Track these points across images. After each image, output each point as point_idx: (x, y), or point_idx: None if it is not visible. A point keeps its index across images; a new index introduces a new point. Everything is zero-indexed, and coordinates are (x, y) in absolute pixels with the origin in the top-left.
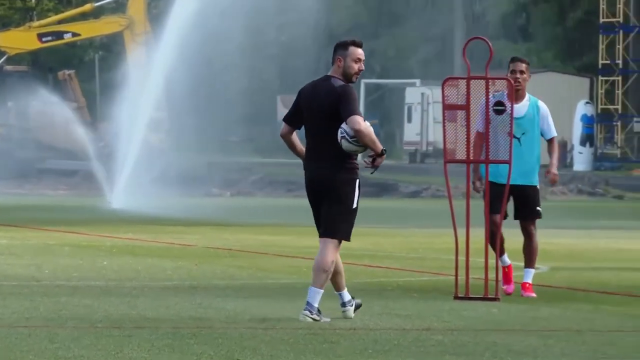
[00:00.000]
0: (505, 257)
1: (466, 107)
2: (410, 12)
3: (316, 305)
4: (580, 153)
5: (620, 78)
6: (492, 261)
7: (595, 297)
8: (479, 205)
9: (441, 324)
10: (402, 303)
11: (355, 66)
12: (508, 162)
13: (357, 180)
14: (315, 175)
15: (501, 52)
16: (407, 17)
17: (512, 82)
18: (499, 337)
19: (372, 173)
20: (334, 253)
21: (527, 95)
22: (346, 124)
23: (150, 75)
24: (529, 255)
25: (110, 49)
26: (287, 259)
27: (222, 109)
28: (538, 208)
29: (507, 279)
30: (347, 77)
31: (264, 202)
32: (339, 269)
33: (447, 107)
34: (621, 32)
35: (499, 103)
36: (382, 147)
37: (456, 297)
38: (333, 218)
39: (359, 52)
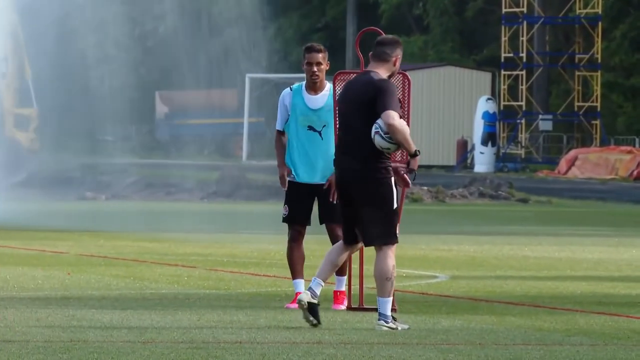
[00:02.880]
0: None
1: None
2: (297, 1)
3: (389, 313)
4: (482, 153)
5: (524, 72)
6: None
7: (499, 308)
8: None
9: (333, 337)
10: (291, 314)
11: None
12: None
13: (392, 179)
14: (345, 175)
15: None
16: (294, 6)
17: (310, 75)
18: (394, 352)
19: (413, 179)
20: (392, 258)
21: (328, 85)
22: (380, 118)
23: None
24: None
25: None
26: (167, 267)
27: (95, 105)
28: None
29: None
30: (393, 75)
31: (141, 206)
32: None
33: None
34: (525, 23)
35: None
36: (415, 148)
37: (349, 308)
38: (378, 223)
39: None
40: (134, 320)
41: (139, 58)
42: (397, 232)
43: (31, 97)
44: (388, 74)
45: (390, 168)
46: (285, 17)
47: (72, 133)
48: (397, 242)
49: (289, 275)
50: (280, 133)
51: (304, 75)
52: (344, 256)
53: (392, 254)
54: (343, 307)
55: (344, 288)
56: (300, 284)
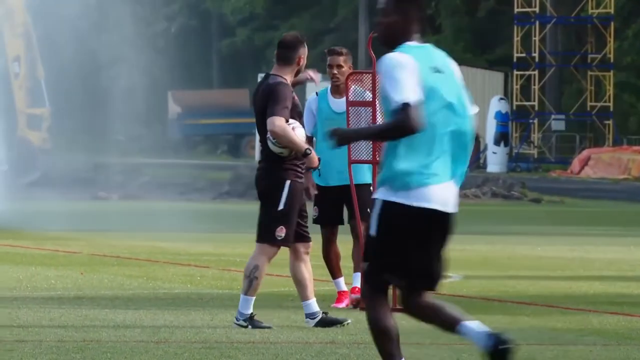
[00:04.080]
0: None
1: (372, 104)
2: (309, 0)
3: (244, 311)
4: (494, 153)
5: (536, 72)
6: None
7: (512, 307)
8: None
9: (346, 337)
10: (304, 315)
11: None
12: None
13: (288, 182)
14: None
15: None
16: (305, 6)
17: (331, 77)
18: (408, 352)
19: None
20: (260, 258)
21: (351, 88)
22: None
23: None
24: (357, 258)
25: None
26: (180, 267)
27: (108, 105)
28: (369, 210)
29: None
30: (299, 73)
31: (154, 206)
32: (299, 278)
33: (351, 104)
34: (537, 22)
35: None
36: (305, 147)
37: (362, 308)
38: (262, 221)
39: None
40: (147, 320)
41: (151, 58)
42: (281, 235)
43: (44, 97)
44: (292, 75)
45: (293, 171)
46: (297, 17)
47: (84, 133)
48: (276, 244)
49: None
50: (309, 138)
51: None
52: (301, 267)
53: (263, 254)
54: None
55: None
56: (341, 282)
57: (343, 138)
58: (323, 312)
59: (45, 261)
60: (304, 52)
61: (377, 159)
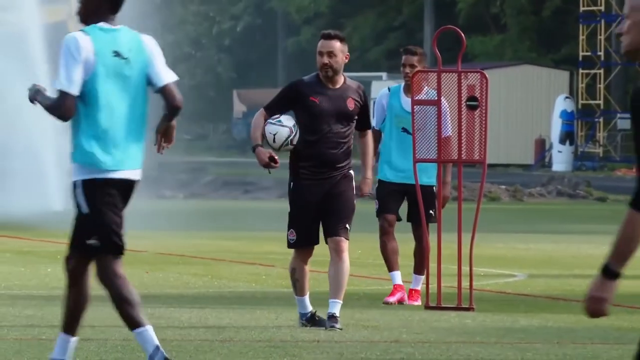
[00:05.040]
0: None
1: (437, 103)
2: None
3: (304, 311)
4: (560, 152)
5: (602, 71)
6: (465, 268)
7: (577, 306)
8: (452, 209)
9: (411, 336)
10: (369, 313)
11: (319, 59)
12: (482, 161)
13: (291, 183)
14: None
15: (472, 45)
16: (371, 4)
17: (404, 76)
18: (472, 350)
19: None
20: (292, 261)
21: (425, 88)
22: None
23: None
24: (420, 259)
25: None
26: (245, 265)
27: None
28: (430, 212)
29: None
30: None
31: (219, 204)
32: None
33: (417, 103)
34: (603, 21)
35: (472, 98)
36: (255, 143)
37: (427, 307)
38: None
39: (322, 44)
40: (211, 319)
41: (217, 57)
42: (292, 237)
43: None
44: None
45: (295, 171)
46: (362, 16)
47: (149, 131)
48: (289, 247)
49: (366, 274)
50: (377, 132)
51: (378, 73)
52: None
53: (294, 256)
54: (418, 302)
55: (419, 287)
56: (397, 276)
57: (34, 92)
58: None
59: None
60: (340, 48)
61: (442, 158)
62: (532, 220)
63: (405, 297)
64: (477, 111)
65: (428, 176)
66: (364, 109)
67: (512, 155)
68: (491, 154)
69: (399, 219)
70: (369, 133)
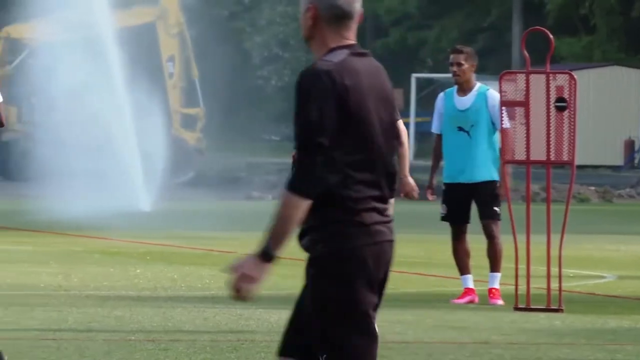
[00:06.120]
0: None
1: (525, 104)
2: (462, 0)
3: None
4: None
5: None
6: (554, 270)
7: None
8: (541, 210)
9: (500, 337)
10: (458, 314)
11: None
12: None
13: None
14: None
15: (560, 46)
16: (459, 5)
17: (452, 74)
18: (562, 352)
19: None
20: None
21: (476, 85)
22: None
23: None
24: (492, 258)
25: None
26: None
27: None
28: (495, 208)
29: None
30: None
31: None
32: None
33: (505, 104)
34: None
35: (561, 99)
36: None
37: (516, 308)
38: None
39: (451, 57)
40: None
41: (304, 57)
42: None
43: (198, 97)
44: None
45: None
46: (450, 17)
47: (237, 132)
48: None
49: (456, 274)
50: (438, 136)
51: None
52: None
53: None
54: (500, 302)
55: (497, 285)
56: (468, 279)
57: None
58: None
59: (199, 261)
60: None
61: (531, 159)
62: (622, 221)
63: (476, 299)
64: (566, 112)
65: (490, 172)
66: None
67: (601, 156)
68: (580, 155)
69: (468, 221)
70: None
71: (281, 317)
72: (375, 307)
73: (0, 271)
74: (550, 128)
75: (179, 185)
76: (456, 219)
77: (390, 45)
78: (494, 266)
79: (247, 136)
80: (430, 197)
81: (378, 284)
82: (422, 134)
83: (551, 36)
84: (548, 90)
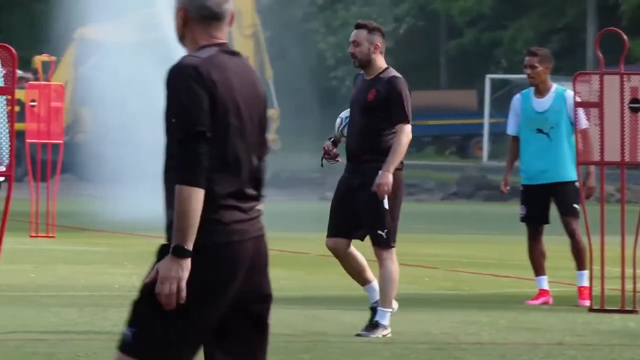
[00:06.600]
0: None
1: (599, 105)
2: (537, 1)
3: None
4: None
5: None
6: (628, 271)
7: None
8: (615, 211)
9: (574, 338)
10: (531, 316)
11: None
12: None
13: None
14: None
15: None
16: (534, 5)
17: (527, 77)
18: (636, 353)
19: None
20: None
21: (553, 87)
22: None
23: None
24: (577, 256)
25: None
26: (407, 268)
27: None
28: (575, 206)
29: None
30: None
31: None
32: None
33: (579, 105)
34: None
35: (635, 100)
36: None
37: (591, 310)
38: None
39: (353, 34)
40: None
41: None
42: None
43: (272, 98)
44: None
45: None
46: (525, 18)
47: (311, 133)
48: None
49: (530, 275)
50: (514, 138)
51: None
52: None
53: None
54: (588, 302)
55: (586, 283)
56: (543, 281)
57: None
58: None
59: (273, 261)
60: (366, 37)
61: (605, 160)
62: None
63: (551, 300)
64: None
65: (569, 172)
66: (387, 102)
67: None
68: None
69: (546, 222)
70: (400, 128)
71: (354, 317)
72: (233, 304)
73: (75, 272)
74: (625, 129)
75: None
76: (535, 220)
77: (464, 46)
78: (580, 264)
79: (320, 137)
80: (504, 189)
81: (242, 281)
82: (496, 134)
83: (625, 37)
84: (622, 91)
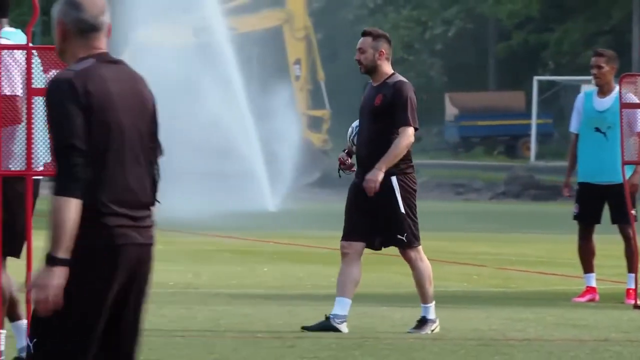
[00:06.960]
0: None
1: None
2: (583, 3)
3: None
4: None
5: None
6: None
7: None
8: None
9: (620, 335)
10: (578, 312)
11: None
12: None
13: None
14: None
15: None
16: (580, 8)
17: (592, 77)
18: None
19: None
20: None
21: (616, 88)
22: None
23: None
24: (629, 258)
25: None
26: (457, 265)
27: None
28: (632, 212)
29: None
30: None
31: (432, 206)
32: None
33: (625, 106)
34: None
35: None
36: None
37: (636, 307)
38: None
39: (359, 41)
40: None
41: (429, 60)
42: None
43: (324, 99)
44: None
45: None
46: (572, 20)
47: None
48: None
49: (577, 273)
50: (576, 136)
51: (587, 77)
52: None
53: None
54: (632, 302)
55: (633, 285)
56: (591, 278)
57: None
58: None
59: (324, 260)
60: (371, 44)
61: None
62: None
63: (597, 298)
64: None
65: (620, 174)
66: (391, 106)
67: None
68: None
69: (598, 222)
70: (402, 130)
71: (404, 314)
72: (119, 306)
73: None
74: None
75: (306, 186)
76: (587, 219)
77: (512, 48)
78: (632, 266)
79: None
80: (566, 193)
81: (122, 285)
82: (543, 135)
83: None
84: None
